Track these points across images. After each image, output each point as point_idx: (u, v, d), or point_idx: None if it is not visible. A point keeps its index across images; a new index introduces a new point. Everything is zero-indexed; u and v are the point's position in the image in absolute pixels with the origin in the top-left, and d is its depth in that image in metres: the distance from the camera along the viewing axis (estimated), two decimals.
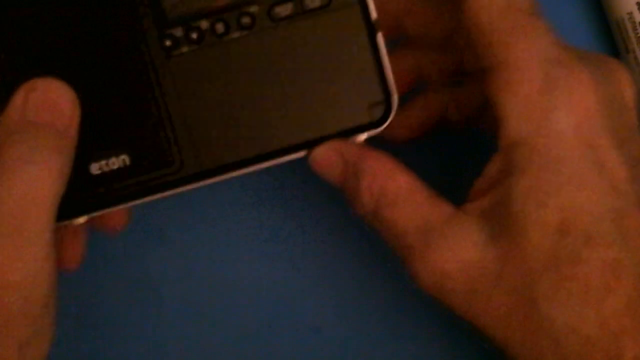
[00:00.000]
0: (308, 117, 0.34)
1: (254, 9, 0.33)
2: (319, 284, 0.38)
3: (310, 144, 0.34)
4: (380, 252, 0.39)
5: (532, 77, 0.30)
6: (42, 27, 0.33)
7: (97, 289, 0.39)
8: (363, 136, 0.34)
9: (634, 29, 0.39)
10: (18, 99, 0.31)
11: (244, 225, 0.40)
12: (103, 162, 0.33)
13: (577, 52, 0.31)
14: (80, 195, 0.33)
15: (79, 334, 0.39)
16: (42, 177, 0.30)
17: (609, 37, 0.40)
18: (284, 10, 0.33)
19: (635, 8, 0.39)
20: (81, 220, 0.33)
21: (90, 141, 0.33)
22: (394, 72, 0.33)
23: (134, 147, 0.34)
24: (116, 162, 0.33)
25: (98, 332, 0.39)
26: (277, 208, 0.40)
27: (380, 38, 0.33)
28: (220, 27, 0.33)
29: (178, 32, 0.33)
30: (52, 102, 0.32)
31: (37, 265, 0.29)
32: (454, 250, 0.30)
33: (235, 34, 0.33)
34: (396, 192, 0.32)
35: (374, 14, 0.33)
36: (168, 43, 0.33)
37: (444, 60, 0.36)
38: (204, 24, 0.33)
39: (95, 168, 0.33)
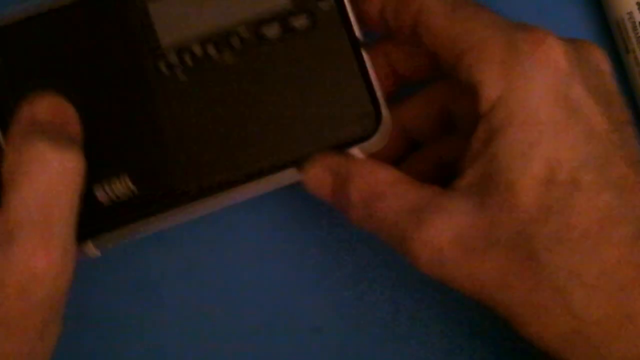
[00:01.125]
0: (300, 133, 0.35)
1: (241, 30, 0.34)
2: (319, 284, 0.38)
3: (302, 160, 0.35)
4: (380, 252, 0.39)
5: (495, 44, 0.31)
6: (43, 54, 0.34)
7: (97, 288, 0.39)
8: (355, 150, 0.35)
9: (634, 29, 0.39)
10: (28, 104, 0.32)
11: (244, 225, 0.40)
12: (106, 185, 0.34)
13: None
14: (86, 218, 0.34)
15: (79, 334, 0.39)
16: (65, 171, 0.31)
17: (609, 37, 0.40)
18: (270, 30, 0.35)
19: (635, 8, 0.39)
20: (94, 250, 0.34)
21: (95, 161, 0.34)
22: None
23: (135, 169, 0.34)
24: (118, 184, 0.34)
25: (98, 332, 0.39)
26: (277, 207, 0.40)
27: (365, 54, 0.35)
28: (211, 50, 0.34)
29: (172, 57, 0.34)
30: (61, 108, 0.33)
31: (61, 256, 0.30)
32: (446, 223, 0.30)
33: (226, 56, 0.34)
34: (382, 186, 0.32)
35: (357, 32, 0.35)
36: (163, 68, 0.34)
37: (417, 53, 0.36)
38: (197, 48, 0.34)
39: (99, 191, 0.34)
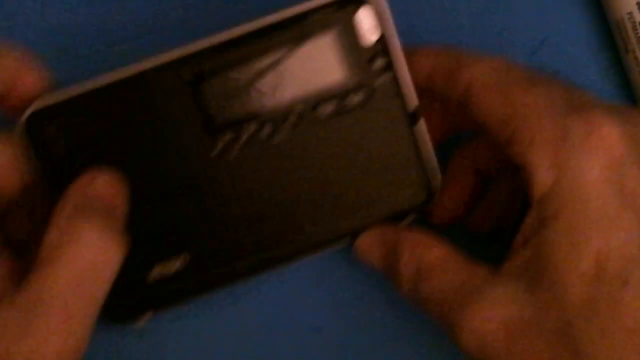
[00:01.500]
0: (354, 207, 0.35)
1: (299, 108, 0.34)
2: (319, 284, 0.38)
3: (355, 232, 0.36)
4: None
5: (548, 129, 0.30)
6: (98, 136, 0.34)
7: None
8: (408, 220, 0.35)
9: (634, 29, 0.39)
10: (81, 182, 0.32)
11: None
12: (163, 265, 0.35)
13: (589, 96, 0.31)
14: (140, 297, 0.35)
15: None
16: (105, 260, 0.30)
17: (609, 37, 0.40)
18: (327, 108, 0.34)
19: (635, 8, 0.38)
20: (141, 323, 0.35)
21: (151, 246, 0.34)
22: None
23: (193, 247, 0.35)
24: (176, 262, 0.35)
25: (98, 332, 0.39)
26: None
27: (421, 125, 0.35)
28: (267, 129, 0.34)
29: (227, 136, 0.34)
30: (114, 189, 0.33)
31: (79, 340, 0.30)
32: (493, 309, 0.30)
33: (283, 133, 0.34)
34: (432, 263, 0.33)
35: (413, 104, 0.35)
36: (219, 147, 0.34)
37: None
38: (252, 127, 0.34)
39: (153, 271, 0.35)
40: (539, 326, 0.29)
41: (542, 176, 0.30)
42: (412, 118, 0.35)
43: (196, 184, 0.34)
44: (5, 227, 0.34)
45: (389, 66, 0.34)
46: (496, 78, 0.32)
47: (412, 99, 0.35)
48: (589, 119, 0.30)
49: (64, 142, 0.34)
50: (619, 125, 0.30)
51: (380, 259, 0.35)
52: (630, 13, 0.39)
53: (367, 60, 0.34)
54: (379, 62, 0.34)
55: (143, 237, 0.34)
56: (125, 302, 0.35)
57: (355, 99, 0.34)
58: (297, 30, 0.34)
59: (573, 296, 0.29)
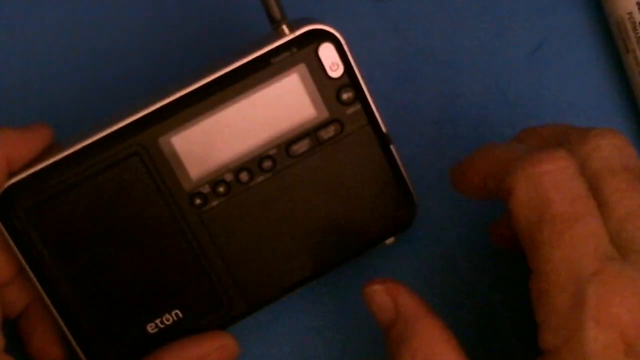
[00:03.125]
0: (339, 236, 0.36)
1: (272, 151, 0.35)
2: (319, 284, 0.38)
3: (343, 260, 0.36)
4: (380, 252, 0.39)
5: (563, 291, 0.29)
6: (89, 213, 0.34)
7: None
8: (391, 239, 0.36)
9: (634, 29, 0.39)
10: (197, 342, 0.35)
11: None
12: (158, 321, 0.35)
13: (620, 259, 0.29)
14: (139, 352, 0.35)
15: None
16: None
17: (609, 37, 0.40)
18: (301, 146, 0.35)
19: (635, 8, 0.39)
20: None
21: (145, 304, 0.35)
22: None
23: (184, 302, 0.35)
24: (170, 318, 0.35)
25: None
26: None
27: (393, 148, 0.35)
28: (244, 176, 0.35)
29: (205, 189, 0.35)
30: (228, 349, 0.36)
31: None
32: None
33: (259, 178, 0.35)
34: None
35: (384, 128, 0.35)
36: (198, 201, 0.35)
37: None
38: (228, 176, 0.35)
39: (151, 327, 0.35)
40: None
41: (547, 336, 0.29)
42: (385, 142, 0.35)
43: (183, 239, 0.35)
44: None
45: (357, 96, 0.35)
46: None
47: (382, 125, 0.35)
48: (605, 290, 0.29)
49: (47, 240, 0.34)
50: (635, 300, 0.29)
51: (388, 321, 0.33)
52: (630, 13, 0.39)
53: (335, 94, 0.35)
54: (347, 94, 0.35)
55: (139, 296, 0.35)
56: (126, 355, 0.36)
57: (328, 132, 0.35)
58: (260, 73, 0.34)
59: None
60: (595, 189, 0.30)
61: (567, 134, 0.32)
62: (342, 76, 0.35)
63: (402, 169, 0.36)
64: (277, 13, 0.34)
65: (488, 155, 0.32)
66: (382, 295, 0.33)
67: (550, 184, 0.29)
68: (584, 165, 0.31)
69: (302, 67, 0.34)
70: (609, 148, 0.31)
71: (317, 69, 0.34)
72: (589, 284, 0.29)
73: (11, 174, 0.34)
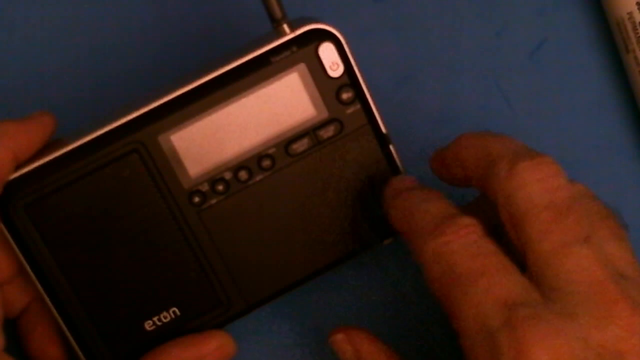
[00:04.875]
0: (338, 235, 0.36)
1: (272, 150, 0.35)
2: (319, 284, 0.38)
3: (342, 259, 0.36)
4: (380, 252, 0.39)
5: (479, 346, 0.29)
6: (88, 210, 0.34)
7: None
8: (390, 239, 0.36)
9: (634, 29, 0.39)
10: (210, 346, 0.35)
11: None
12: (155, 319, 0.35)
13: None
14: (138, 350, 0.35)
15: None
16: None
17: (609, 37, 0.40)
18: (300, 145, 0.35)
19: (635, 8, 0.39)
20: None
21: (144, 302, 0.35)
22: None
23: (182, 300, 0.35)
24: (168, 316, 0.35)
25: None
26: None
27: (393, 148, 0.35)
28: (243, 175, 0.35)
29: (204, 187, 0.35)
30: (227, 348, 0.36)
31: None
32: None
33: (258, 177, 0.35)
34: None
35: (384, 128, 0.35)
36: (196, 199, 0.35)
37: None
38: (227, 175, 0.35)
39: (149, 325, 0.35)
40: None
41: None
42: (385, 142, 0.35)
43: (182, 237, 0.35)
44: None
45: (357, 96, 0.35)
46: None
47: (382, 124, 0.35)
48: (518, 339, 0.28)
49: (46, 237, 0.34)
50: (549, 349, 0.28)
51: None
52: (630, 13, 0.39)
53: (335, 94, 0.35)
54: (346, 94, 0.35)
55: (138, 294, 0.35)
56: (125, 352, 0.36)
57: (328, 132, 0.35)
58: (260, 72, 0.34)
59: None
60: (520, 229, 0.30)
61: (493, 163, 0.31)
62: (342, 76, 0.35)
63: (401, 169, 0.36)
64: (277, 12, 0.34)
65: (469, 146, 0.33)
66: (344, 344, 0.35)
67: (454, 249, 0.30)
68: (509, 200, 0.31)
69: (302, 66, 0.34)
70: (534, 185, 0.30)
71: (317, 68, 0.34)
72: (500, 334, 0.28)
73: (17, 167, 0.34)
